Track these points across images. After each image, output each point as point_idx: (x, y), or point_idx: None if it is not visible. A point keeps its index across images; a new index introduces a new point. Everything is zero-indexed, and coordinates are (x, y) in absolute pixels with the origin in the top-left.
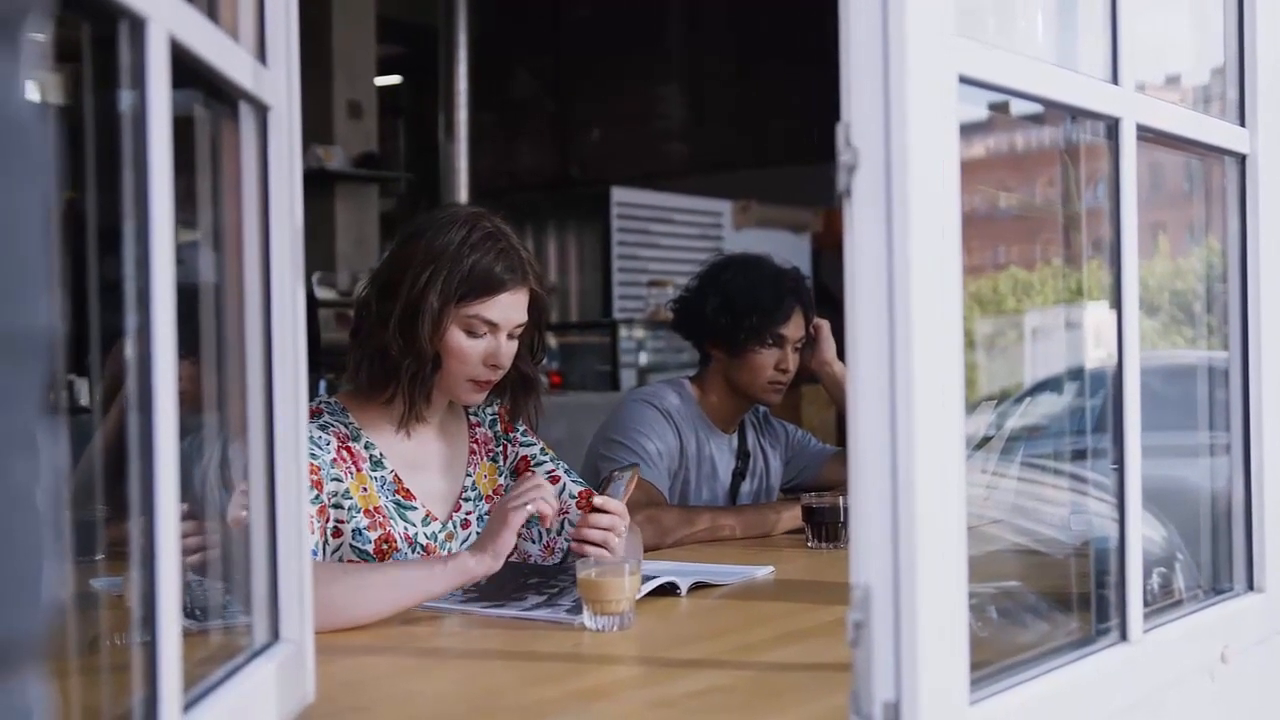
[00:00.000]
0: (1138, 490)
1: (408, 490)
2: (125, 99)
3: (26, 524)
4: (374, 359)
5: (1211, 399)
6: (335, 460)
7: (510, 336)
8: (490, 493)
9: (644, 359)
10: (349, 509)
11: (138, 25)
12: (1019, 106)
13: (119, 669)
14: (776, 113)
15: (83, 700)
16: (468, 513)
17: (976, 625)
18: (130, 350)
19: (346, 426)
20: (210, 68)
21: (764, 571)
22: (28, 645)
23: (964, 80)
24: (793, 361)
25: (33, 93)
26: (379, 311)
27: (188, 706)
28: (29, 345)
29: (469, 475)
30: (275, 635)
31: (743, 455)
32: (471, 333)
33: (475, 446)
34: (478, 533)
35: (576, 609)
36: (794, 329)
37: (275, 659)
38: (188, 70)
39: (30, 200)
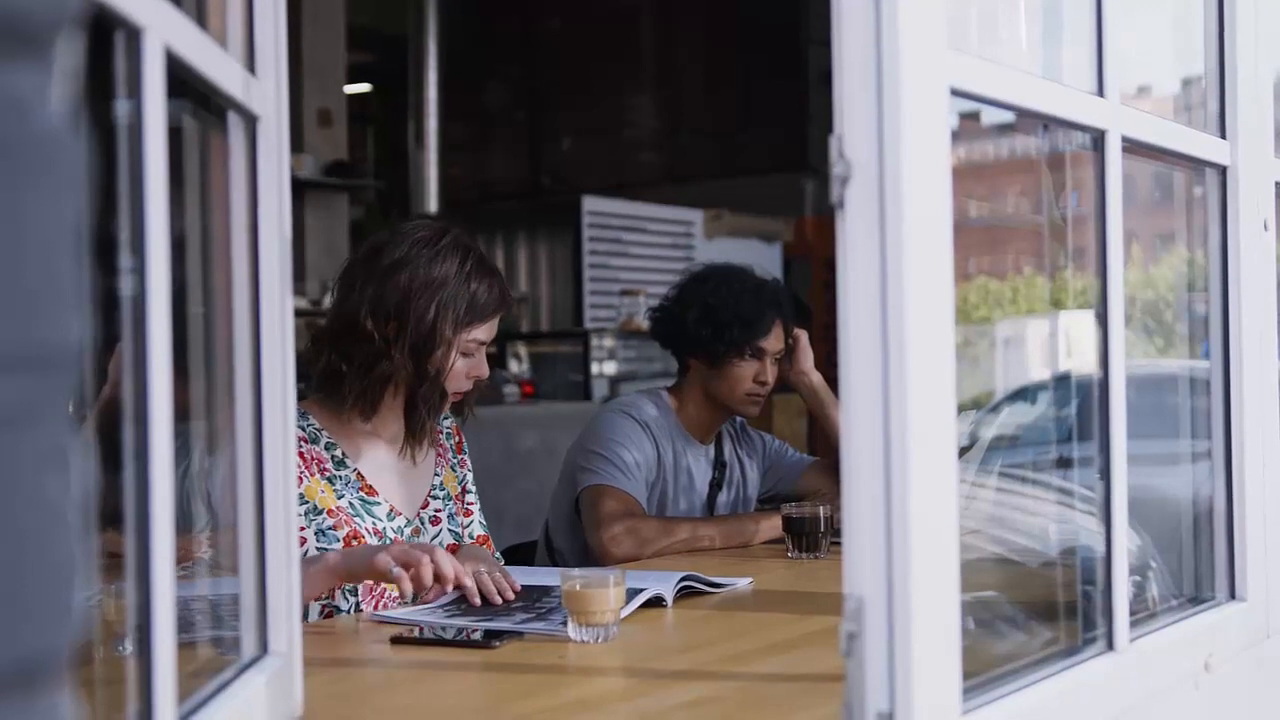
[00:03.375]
0: (1123, 499)
1: (371, 487)
2: (120, 108)
3: (60, 539)
4: (378, 384)
5: (1187, 409)
6: None
7: (487, 349)
8: (455, 495)
9: (616, 368)
10: (306, 513)
11: (134, 35)
12: (990, 116)
13: (101, 682)
14: (748, 122)
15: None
16: (436, 510)
17: (964, 636)
18: (125, 361)
19: (304, 429)
20: (203, 78)
21: (744, 582)
22: (63, 660)
23: (955, 93)
24: (771, 374)
25: (63, 105)
26: (381, 336)
27: None
28: (62, 360)
29: (437, 475)
30: (264, 648)
31: (720, 466)
32: (466, 354)
33: (441, 450)
34: (449, 529)
35: (556, 623)
36: (774, 342)
37: (265, 672)
38: (178, 80)
39: (63, 214)
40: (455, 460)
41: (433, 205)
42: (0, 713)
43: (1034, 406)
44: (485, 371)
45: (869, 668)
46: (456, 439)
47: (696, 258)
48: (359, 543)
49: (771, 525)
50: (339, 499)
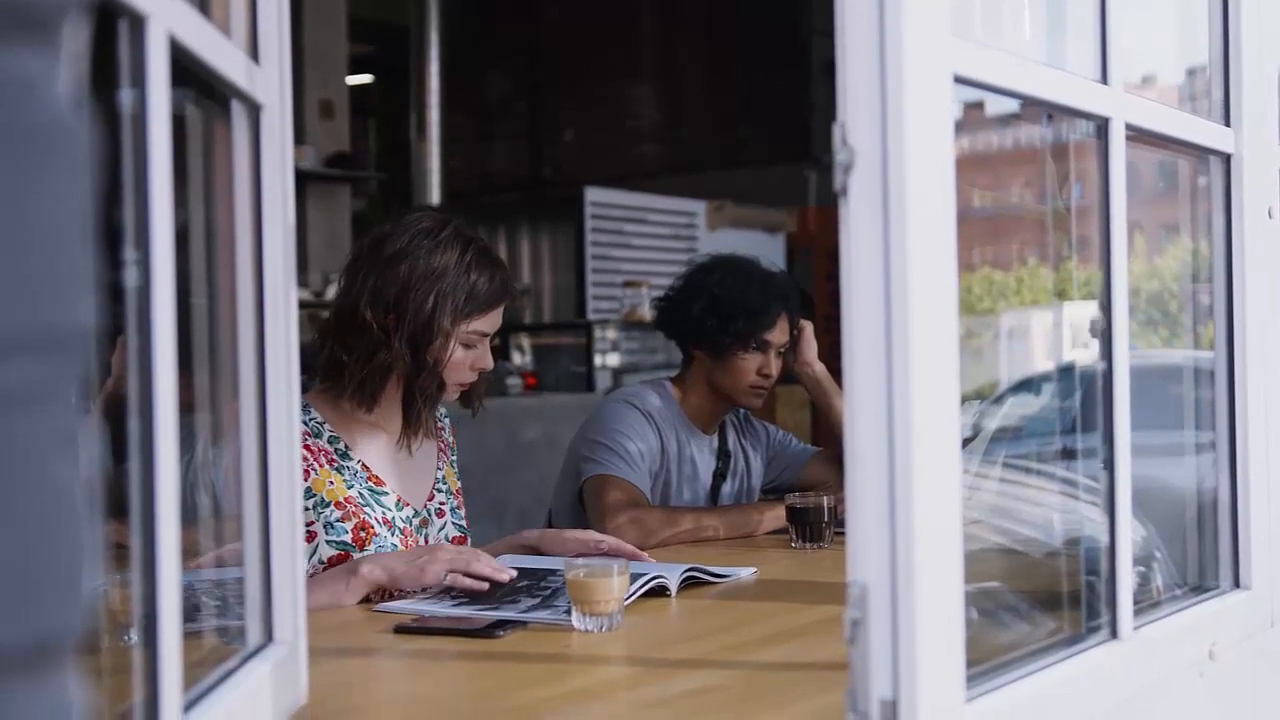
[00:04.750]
0: (1128, 489)
1: (378, 477)
2: (124, 97)
3: (69, 522)
4: (377, 374)
5: (1191, 399)
6: None
7: (491, 341)
8: (455, 491)
9: (619, 360)
10: (314, 506)
11: (137, 23)
12: (995, 106)
13: (106, 671)
14: (750, 113)
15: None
16: (440, 503)
17: (967, 625)
18: (128, 351)
19: (307, 424)
20: (207, 66)
21: (748, 572)
22: (72, 643)
23: (958, 80)
24: (775, 366)
25: (72, 88)
26: (380, 326)
27: (186, 708)
28: (71, 343)
29: (439, 469)
30: (269, 637)
31: (723, 456)
32: (467, 345)
33: (442, 445)
34: (453, 523)
35: (560, 610)
36: (779, 334)
37: (270, 660)
38: (182, 68)
39: (73, 196)
40: (452, 459)
41: (434, 197)
42: (10, 693)
43: (1038, 397)
44: (489, 363)
45: (873, 654)
46: (452, 439)
47: (699, 249)
48: (368, 534)
49: (775, 515)
50: (349, 489)
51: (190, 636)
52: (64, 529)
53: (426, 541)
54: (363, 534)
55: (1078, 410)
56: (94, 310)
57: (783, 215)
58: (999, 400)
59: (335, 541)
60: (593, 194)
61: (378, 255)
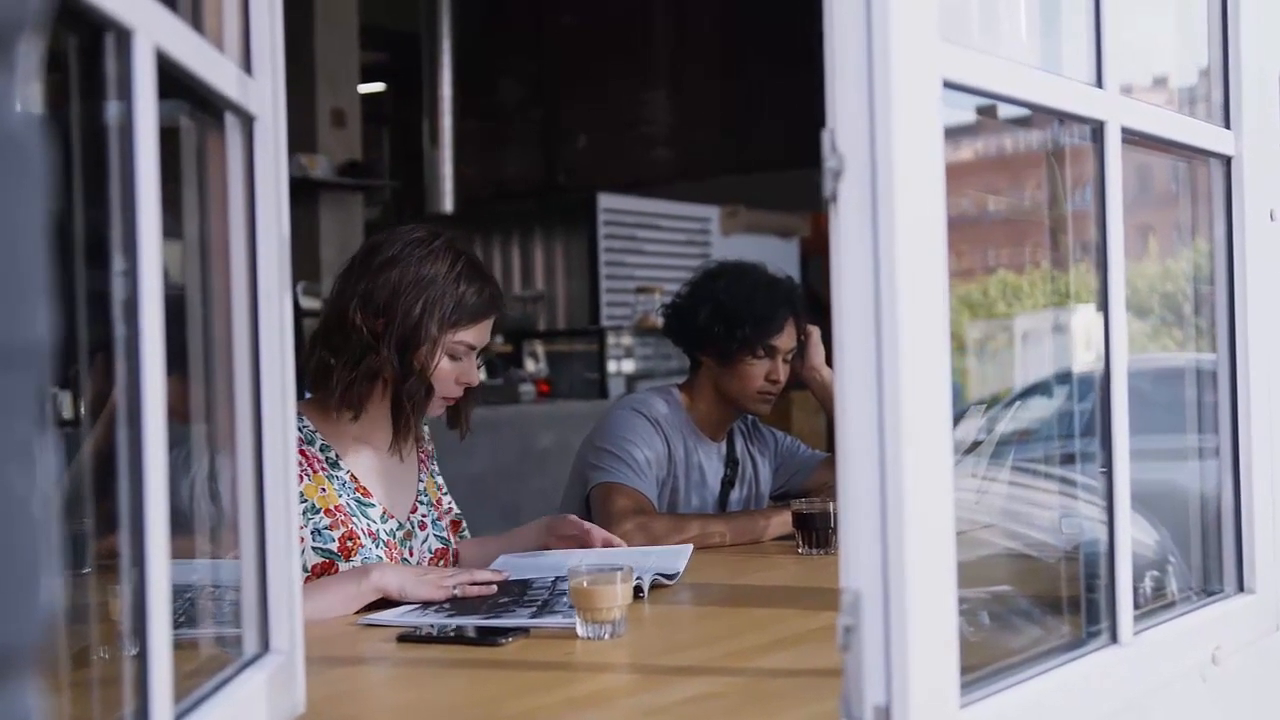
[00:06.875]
0: (1127, 491)
1: (365, 489)
2: (111, 110)
3: (25, 533)
4: (364, 380)
5: (1200, 402)
6: None
7: (478, 355)
8: (435, 502)
9: (632, 366)
10: (305, 511)
11: (124, 36)
12: (1005, 110)
13: (107, 682)
14: (763, 117)
15: (73, 713)
16: (422, 515)
17: (968, 630)
18: (119, 363)
19: (301, 431)
20: (196, 78)
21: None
22: (26, 654)
23: (948, 85)
24: (783, 372)
25: (28, 104)
26: (370, 331)
27: (179, 717)
28: (27, 356)
29: (421, 481)
30: (265, 646)
31: (731, 463)
32: (453, 356)
33: (423, 457)
34: (434, 535)
35: (571, 613)
36: (786, 340)
37: (266, 670)
38: (173, 81)
39: (28, 211)
40: (433, 469)
41: (448, 204)
42: None
43: (1051, 401)
44: (474, 378)
45: (866, 661)
46: (432, 447)
47: (713, 254)
48: (355, 543)
49: (781, 521)
50: (339, 497)
51: (186, 646)
52: (19, 540)
53: (411, 554)
54: (349, 544)
55: (1088, 413)
56: (52, 324)
57: (796, 220)
58: (1011, 404)
59: (321, 549)
60: (606, 200)
61: (370, 262)
